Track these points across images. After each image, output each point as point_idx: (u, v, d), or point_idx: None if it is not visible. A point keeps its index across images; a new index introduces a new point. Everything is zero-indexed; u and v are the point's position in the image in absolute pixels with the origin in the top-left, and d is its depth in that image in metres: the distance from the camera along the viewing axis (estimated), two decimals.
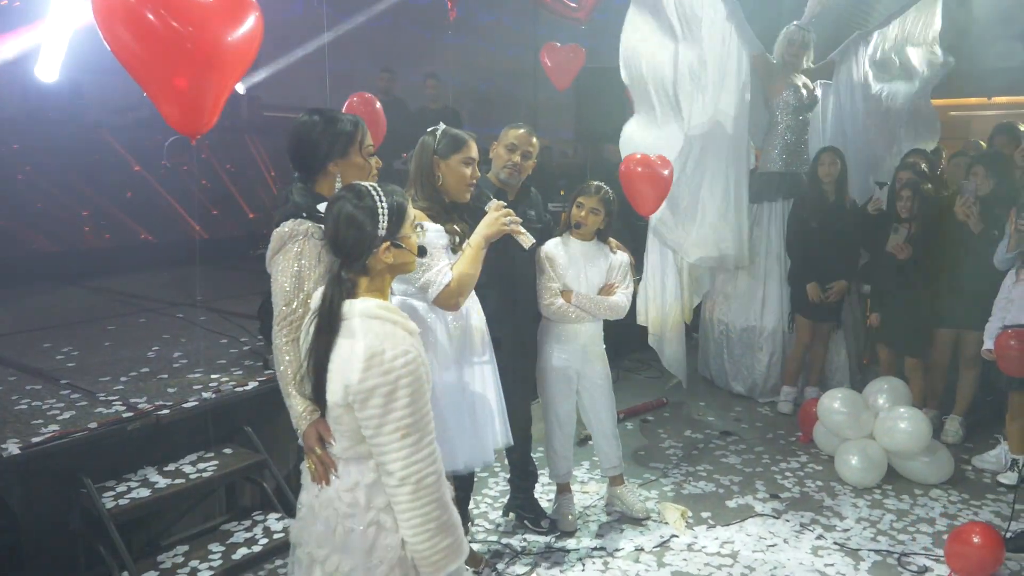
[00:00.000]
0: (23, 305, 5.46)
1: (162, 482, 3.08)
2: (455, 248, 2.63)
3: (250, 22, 2.39)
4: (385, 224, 1.77)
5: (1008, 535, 3.17)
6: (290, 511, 3.32)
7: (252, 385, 3.62)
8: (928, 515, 3.52)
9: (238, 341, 4.40)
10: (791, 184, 4.92)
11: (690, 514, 3.52)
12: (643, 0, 4.80)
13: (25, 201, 6.69)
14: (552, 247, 3.29)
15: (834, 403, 3.90)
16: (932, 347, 4.39)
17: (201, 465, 3.25)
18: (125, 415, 3.19)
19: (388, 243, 1.78)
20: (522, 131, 3.14)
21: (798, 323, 4.83)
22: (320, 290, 1.89)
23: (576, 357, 3.34)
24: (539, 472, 3.79)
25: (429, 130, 2.75)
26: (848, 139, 5.13)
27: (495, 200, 2.69)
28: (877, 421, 3.82)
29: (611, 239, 3.39)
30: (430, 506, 1.69)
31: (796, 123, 4.91)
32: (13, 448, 2.81)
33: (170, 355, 4.15)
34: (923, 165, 4.75)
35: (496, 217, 2.60)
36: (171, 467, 3.21)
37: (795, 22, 4.99)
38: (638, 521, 3.47)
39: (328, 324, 1.73)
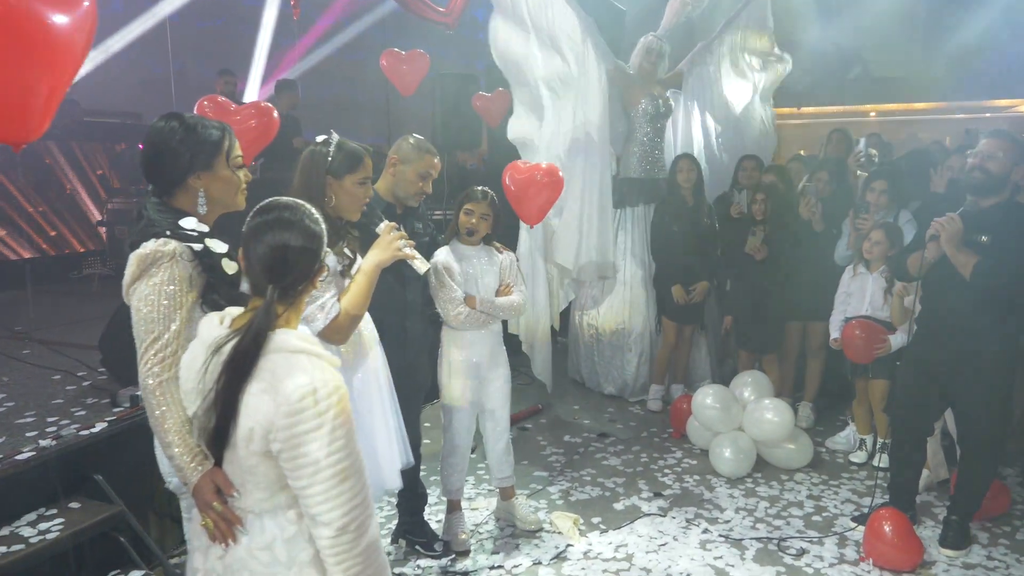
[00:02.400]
0: None
1: None
2: (345, 273, 2.44)
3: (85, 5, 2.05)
4: (325, 248, 1.64)
5: (867, 510, 3.45)
6: (153, 566, 2.98)
7: (100, 427, 3.20)
8: (796, 499, 3.76)
9: (74, 377, 3.90)
10: (651, 190, 5.11)
11: (582, 521, 3.54)
12: (504, 9, 4.79)
13: None
14: (445, 257, 3.19)
15: (707, 399, 4.08)
16: (784, 340, 4.71)
17: (43, 525, 2.82)
18: None
19: (325, 267, 1.65)
20: (435, 158, 2.98)
21: (664, 325, 5.02)
22: (211, 320, 1.67)
23: (483, 362, 3.29)
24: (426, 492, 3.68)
25: (319, 139, 2.48)
26: (699, 145, 5.40)
27: (386, 222, 2.52)
28: (745, 413, 4.04)
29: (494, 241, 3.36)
30: (368, 550, 1.54)
31: (654, 131, 5.11)
32: None
33: None
34: (758, 171, 5.06)
35: (389, 241, 2.42)
36: (5, 531, 2.76)
37: (652, 33, 5.19)
38: (532, 533, 3.44)
39: (250, 360, 1.52)
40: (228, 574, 1.60)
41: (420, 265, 2.53)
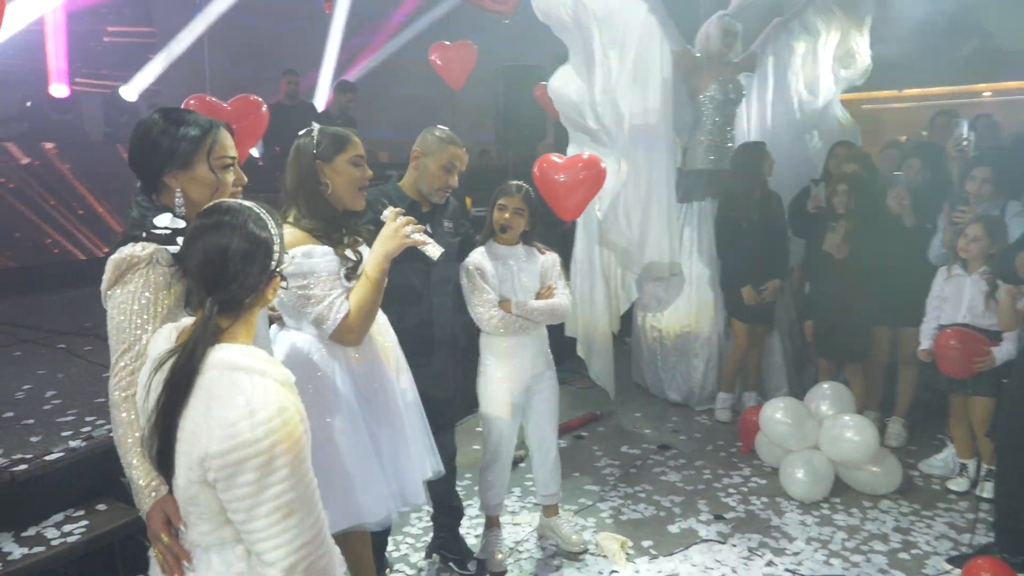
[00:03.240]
0: None
1: (17, 552, 2.60)
2: (349, 275, 2.23)
3: None
4: (279, 255, 1.44)
5: (967, 550, 2.99)
6: None
7: None
8: (880, 530, 3.31)
9: None
10: (719, 182, 4.72)
11: (630, 544, 3.24)
12: None
13: None
14: (479, 258, 2.98)
15: (776, 413, 3.68)
16: (870, 347, 4.23)
17: (68, 527, 2.78)
18: None
19: (278, 277, 1.45)
20: (459, 149, 2.77)
21: (734, 327, 4.63)
22: (160, 334, 1.51)
23: (525, 371, 3.05)
24: (466, 504, 3.47)
25: (301, 133, 2.32)
26: (771, 133, 4.97)
27: (391, 208, 2.30)
28: (822, 430, 3.62)
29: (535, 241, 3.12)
30: None
31: (723, 118, 4.73)
32: None
33: (42, 395, 3.63)
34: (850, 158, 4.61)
35: (395, 229, 2.21)
36: (31, 532, 2.73)
37: (721, 12, 4.80)
38: (575, 555, 3.17)
39: (187, 379, 1.35)
40: None
41: (432, 250, 2.29)
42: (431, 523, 3.23)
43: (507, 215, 2.98)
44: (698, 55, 4.73)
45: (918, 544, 3.20)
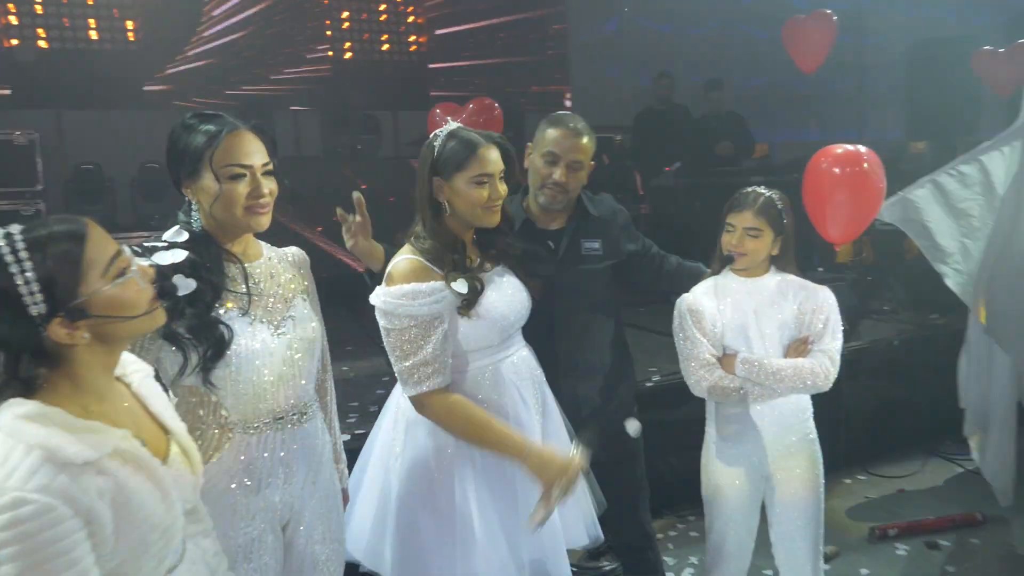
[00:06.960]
0: None
1: None
2: (463, 311, 1.81)
3: None
4: (40, 296, 1.08)
5: None
6: None
7: None
8: None
9: None
10: None
11: None
12: None
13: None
14: (699, 297, 2.23)
15: None
16: None
17: None
18: None
19: (60, 319, 1.09)
20: (561, 131, 2.18)
21: None
22: None
23: (762, 452, 2.21)
24: None
25: (432, 135, 1.92)
26: None
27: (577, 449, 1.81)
28: None
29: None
30: None
31: None
32: None
33: None
34: None
35: (564, 475, 1.73)
36: None
37: None
38: None
39: None
40: None
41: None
42: None
43: (734, 239, 2.16)
44: None
45: None
